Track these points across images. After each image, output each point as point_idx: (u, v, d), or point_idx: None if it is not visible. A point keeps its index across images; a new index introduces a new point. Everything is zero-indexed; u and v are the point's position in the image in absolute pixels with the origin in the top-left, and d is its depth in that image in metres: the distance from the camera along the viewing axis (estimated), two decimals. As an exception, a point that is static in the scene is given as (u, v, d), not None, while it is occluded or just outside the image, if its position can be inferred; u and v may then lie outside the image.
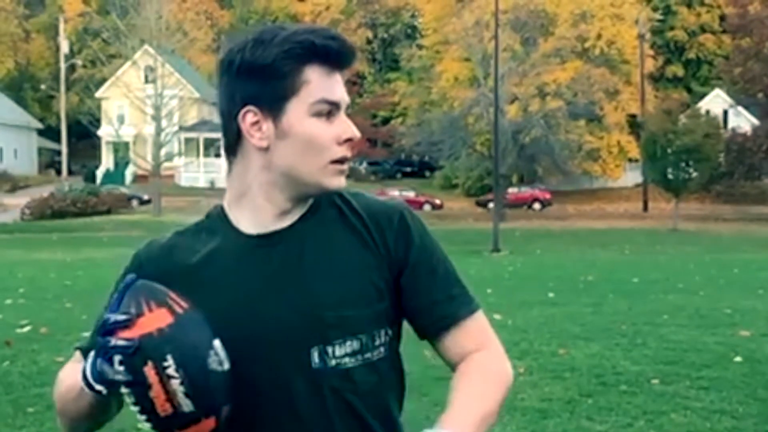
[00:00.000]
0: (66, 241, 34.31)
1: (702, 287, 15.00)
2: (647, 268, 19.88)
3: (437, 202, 55.26)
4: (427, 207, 52.84)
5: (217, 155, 65.11)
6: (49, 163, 71.16)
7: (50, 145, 71.66)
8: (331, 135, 1.57)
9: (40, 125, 70.99)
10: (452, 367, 1.65)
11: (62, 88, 62.58)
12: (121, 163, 63.81)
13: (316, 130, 1.56)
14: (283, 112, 1.56)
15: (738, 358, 8.09)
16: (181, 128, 58.17)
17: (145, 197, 53.94)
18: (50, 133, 70.35)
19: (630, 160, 56.85)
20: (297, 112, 1.56)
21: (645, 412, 6.32)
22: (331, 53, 1.57)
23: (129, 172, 63.13)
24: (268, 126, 1.56)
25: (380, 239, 1.62)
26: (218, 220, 1.65)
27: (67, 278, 17.89)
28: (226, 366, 1.47)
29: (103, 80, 62.53)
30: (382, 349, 1.62)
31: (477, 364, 1.61)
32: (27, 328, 9.97)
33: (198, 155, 63.14)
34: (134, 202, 54.94)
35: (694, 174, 42.75)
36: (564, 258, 24.95)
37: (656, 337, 9.45)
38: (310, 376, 1.56)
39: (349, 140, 1.59)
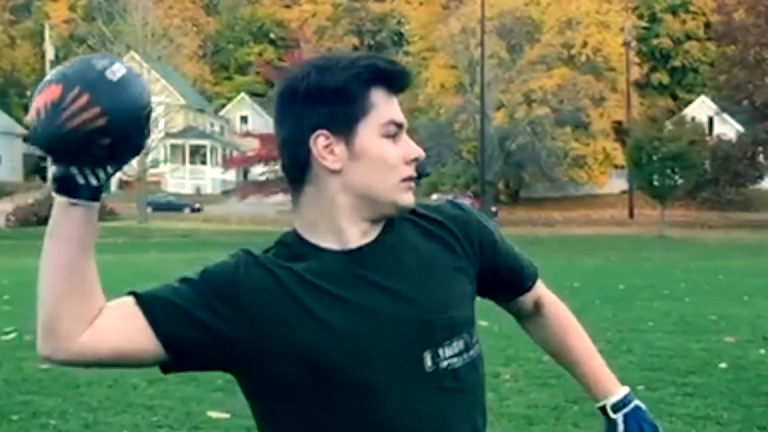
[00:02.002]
0: (51, 248, 34.10)
1: (687, 294, 15.01)
2: (633, 274, 19.90)
3: (493, 209, 55.01)
4: None
5: (203, 162, 65.07)
6: (35, 170, 70.87)
7: (35, 151, 71.40)
8: (400, 155, 1.63)
9: (25, 131, 70.64)
10: (524, 311, 1.90)
11: (48, 94, 62.32)
12: (106, 170, 63.54)
13: (387, 150, 1.62)
14: (354, 134, 1.60)
15: (723, 365, 8.10)
16: (167, 135, 58.04)
17: (196, 205, 53.83)
18: (36, 139, 70.13)
19: (616, 166, 57.08)
20: (369, 133, 1.61)
21: (631, 418, 6.31)
22: (395, 77, 1.64)
23: (114, 179, 62.88)
24: (340, 148, 1.60)
25: (466, 241, 1.72)
26: (300, 244, 1.66)
27: (52, 285, 17.73)
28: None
29: (89, 86, 62.30)
30: (477, 346, 1.70)
31: (559, 314, 1.91)
32: (12, 335, 9.89)
33: (184, 162, 63.04)
34: (186, 210, 55.31)
35: (680, 181, 42.94)
36: (550, 264, 24.93)
37: (642, 343, 9.46)
38: (424, 379, 1.60)
39: (415, 159, 1.65)
